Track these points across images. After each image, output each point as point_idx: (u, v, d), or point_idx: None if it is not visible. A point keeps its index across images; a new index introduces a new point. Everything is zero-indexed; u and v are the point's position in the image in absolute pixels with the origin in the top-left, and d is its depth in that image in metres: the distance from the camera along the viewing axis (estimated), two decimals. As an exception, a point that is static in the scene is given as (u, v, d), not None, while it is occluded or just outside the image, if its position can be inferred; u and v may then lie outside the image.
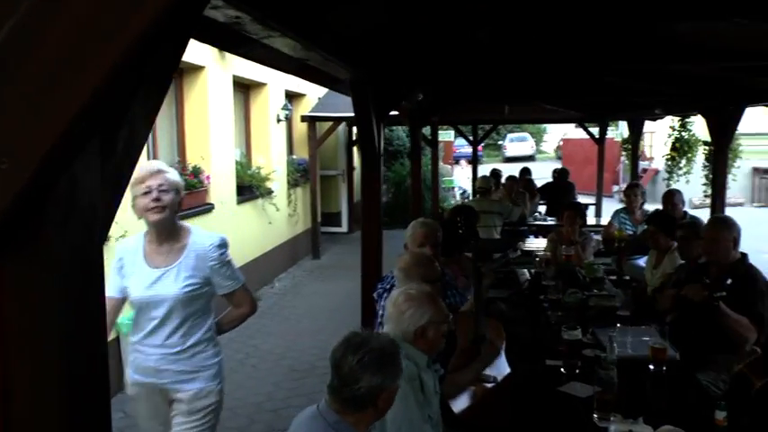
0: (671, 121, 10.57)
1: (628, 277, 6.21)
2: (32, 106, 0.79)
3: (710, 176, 8.67)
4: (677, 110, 8.98)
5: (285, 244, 10.34)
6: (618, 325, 4.13)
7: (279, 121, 10.15)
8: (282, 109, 10.20)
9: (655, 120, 10.85)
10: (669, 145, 10.25)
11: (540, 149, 40.06)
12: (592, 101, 10.58)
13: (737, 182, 12.63)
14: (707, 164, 8.72)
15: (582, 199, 12.57)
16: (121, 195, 1.05)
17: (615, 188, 19.58)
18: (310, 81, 5.39)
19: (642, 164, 20.02)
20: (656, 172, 17.98)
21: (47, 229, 0.87)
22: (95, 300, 0.98)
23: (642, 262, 7.27)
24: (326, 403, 2.18)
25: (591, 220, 11.64)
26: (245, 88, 9.48)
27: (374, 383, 2.08)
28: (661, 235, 5.42)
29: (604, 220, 9.82)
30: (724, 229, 4.26)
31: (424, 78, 5.46)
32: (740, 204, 16.91)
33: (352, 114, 10.90)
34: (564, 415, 3.12)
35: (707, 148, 8.60)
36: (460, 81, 6.80)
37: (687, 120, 9.93)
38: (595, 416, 2.89)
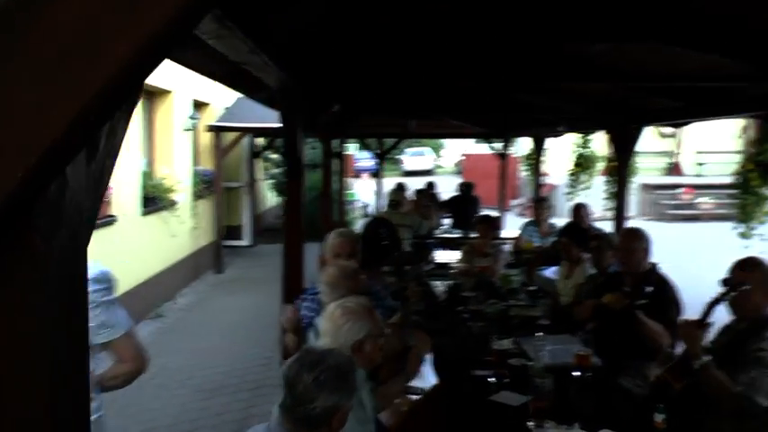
0: (573, 138, 11.02)
1: (536, 287, 6.38)
2: (36, 97, 0.67)
3: (611, 191, 9.05)
4: (581, 127, 9.37)
5: (188, 258, 9.97)
6: (539, 334, 4.20)
7: (185, 130, 9.80)
8: (190, 118, 9.85)
9: (557, 136, 11.28)
10: (573, 161, 10.65)
11: (438, 164, 40.82)
12: (497, 117, 10.90)
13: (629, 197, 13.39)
14: (609, 179, 9.11)
15: (484, 212, 12.94)
16: (102, 197, 0.92)
17: (514, 202, 20.18)
18: (234, 88, 5.19)
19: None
20: (553, 187, 18.68)
21: (34, 235, 0.74)
22: (81, 306, 0.87)
23: (550, 273, 7.51)
24: (278, 422, 2.05)
25: (494, 232, 12.01)
26: (149, 95, 9.09)
27: (330, 403, 1.99)
28: (573, 246, 5.60)
29: (507, 233, 10.13)
30: (637, 239, 4.45)
31: (343, 89, 5.41)
32: (631, 218, 17.82)
33: (260, 125, 10.70)
34: (498, 424, 3.12)
35: (609, 163, 8.99)
36: (373, 93, 6.81)
37: (588, 137, 10.36)
38: (530, 424, 2.91)
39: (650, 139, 16.23)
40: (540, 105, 8.30)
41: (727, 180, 20.29)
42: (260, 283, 10.27)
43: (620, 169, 7.88)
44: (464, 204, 11.82)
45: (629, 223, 7.43)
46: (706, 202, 18.45)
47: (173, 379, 6.08)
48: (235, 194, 13.32)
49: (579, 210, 7.06)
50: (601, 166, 10.25)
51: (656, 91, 5.81)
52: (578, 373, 3.45)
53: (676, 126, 8.37)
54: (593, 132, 10.01)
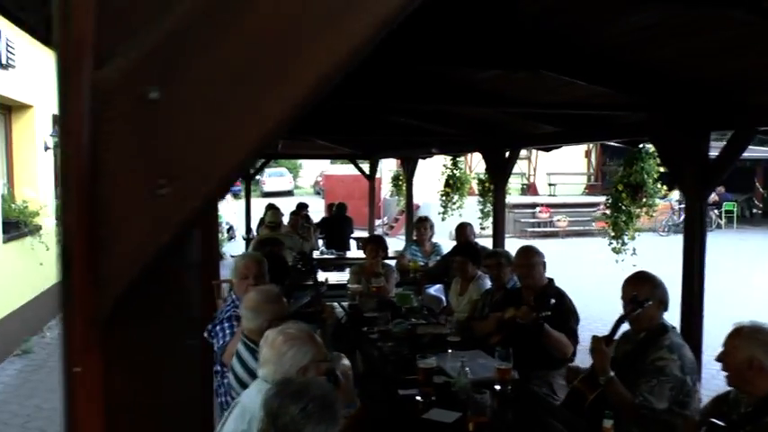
0: (439, 160, 11.40)
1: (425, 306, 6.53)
2: (228, 109, 0.61)
3: (485, 210, 9.45)
4: (455, 149, 9.73)
5: (55, 287, 9.20)
6: (450, 351, 4.29)
7: (47, 149, 9.11)
8: (51, 135, 9.17)
9: (426, 158, 11.65)
10: (443, 181, 11.01)
11: (297, 185, 40.71)
12: (367, 138, 11.10)
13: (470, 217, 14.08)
14: (482, 199, 9.51)
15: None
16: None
17: (378, 222, 20.48)
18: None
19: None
20: (417, 207, 19.19)
21: (184, 271, 0.67)
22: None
23: (434, 291, 7.72)
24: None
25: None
26: (6, 110, 8.37)
27: None
28: (469, 264, 5.79)
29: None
30: (535, 255, 4.70)
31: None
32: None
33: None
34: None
35: (483, 184, 9.39)
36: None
37: (458, 158, 10.76)
38: (470, 440, 2.96)
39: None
40: (415, 127, 8.57)
41: (576, 199, 22.09)
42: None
43: (496, 190, 8.29)
44: (338, 225, 11.88)
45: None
46: (561, 219, 19.73)
47: (52, 420, 5.57)
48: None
49: (464, 228, 7.32)
50: (469, 187, 10.70)
51: (538, 116, 6.19)
52: (498, 387, 3.56)
53: (548, 150, 8.90)
54: (465, 154, 10.48)
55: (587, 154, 26.09)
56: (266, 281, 4.17)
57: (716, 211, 20.41)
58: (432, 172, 13.43)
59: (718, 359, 2.86)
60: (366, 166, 14.27)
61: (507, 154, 7.92)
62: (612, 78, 4.31)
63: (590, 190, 25.27)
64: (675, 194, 19.19)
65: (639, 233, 6.63)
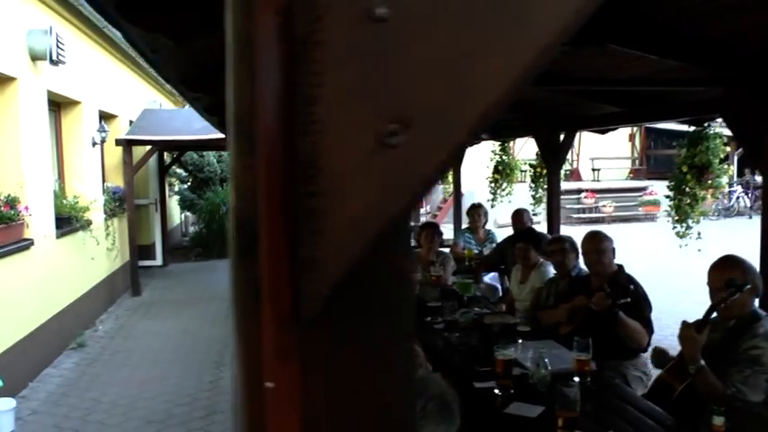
0: (491, 145, 11.14)
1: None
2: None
3: (537, 196, 9.22)
4: (505, 134, 9.48)
5: (104, 281, 9.27)
6: (520, 341, 4.11)
7: (94, 144, 9.13)
8: (98, 131, 9.19)
9: (473, 145, 11.39)
10: (491, 168, 10.77)
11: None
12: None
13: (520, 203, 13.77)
14: (533, 185, 9.27)
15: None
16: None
17: (422, 210, 20.28)
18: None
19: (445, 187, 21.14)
20: (462, 195, 18.91)
21: (402, 257, 0.51)
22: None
23: (489, 279, 7.53)
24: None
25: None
26: (56, 106, 8.39)
27: None
28: (531, 250, 5.59)
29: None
30: (605, 240, 4.48)
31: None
32: (539, 222, 18.33)
33: (170, 137, 10.14)
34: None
35: (534, 170, 9.14)
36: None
37: (506, 144, 10.51)
38: (561, 436, 2.78)
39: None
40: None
41: (621, 184, 21.58)
42: (180, 305, 9.74)
43: (550, 175, 8.03)
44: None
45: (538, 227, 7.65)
46: (607, 205, 19.28)
47: (111, 413, 5.55)
48: (144, 212, 12.60)
49: (521, 215, 7.10)
50: (520, 173, 10.44)
51: (598, 96, 5.91)
52: (578, 379, 3.36)
53: (604, 132, 8.60)
54: (515, 138, 10.20)
55: (631, 138, 25.47)
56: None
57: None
58: (476, 159, 13.15)
59: None
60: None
61: (562, 137, 7.67)
62: (686, 51, 4.04)
63: (634, 174, 24.67)
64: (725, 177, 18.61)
65: (704, 216, 6.33)
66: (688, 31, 3.94)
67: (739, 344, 3.17)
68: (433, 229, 6.74)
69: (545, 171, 9.14)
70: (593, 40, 4.11)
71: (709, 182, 5.68)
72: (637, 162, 25.55)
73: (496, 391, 3.32)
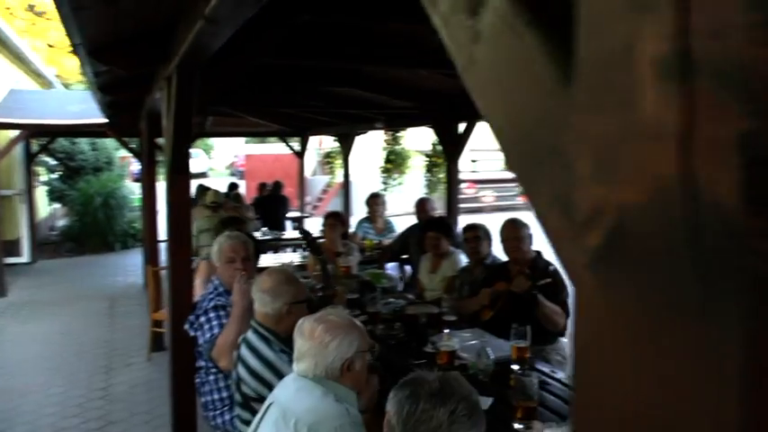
0: (371, 136, 11.10)
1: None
2: None
3: (431, 186, 9.27)
4: (402, 123, 9.44)
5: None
6: (447, 331, 4.03)
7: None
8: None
9: (363, 134, 11.32)
10: (383, 158, 10.75)
11: (210, 166, 39.46)
12: (301, 114, 10.59)
13: (415, 193, 13.94)
14: (428, 174, 9.32)
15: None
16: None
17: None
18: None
19: (325, 178, 20.99)
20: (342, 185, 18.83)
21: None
22: None
23: (390, 270, 7.46)
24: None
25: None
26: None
27: None
28: (443, 239, 5.55)
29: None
30: (524, 227, 4.50)
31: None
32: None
33: (42, 121, 9.27)
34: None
35: (430, 159, 9.19)
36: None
37: (398, 134, 10.51)
38: (518, 426, 2.71)
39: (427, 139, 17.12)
40: (357, 99, 8.19)
41: (501, 175, 22.33)
42: (55, 305, 8.97)
43: (450, 165, 8.07)
44: (274, 205, 11.41)
45: (409, 220, 7.68)
46: (487, 195, 19.89)
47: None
48: (8, 204, 11.50)
49: (425, 204, 7.07)
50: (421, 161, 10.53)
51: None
52: (517, 367, 3.33)
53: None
54: (410, 128, 10.21)
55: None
56: (253, 264, 3.79)
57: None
58: (362, 150, 13.07)
59: None
60: (296, 145, 13.80)
61: (462, 128, 7.72)
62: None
63: (510, 165, 25.53)
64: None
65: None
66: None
67: None
68: (336, 218, 6.57)
69: (440, 161, 9.23)
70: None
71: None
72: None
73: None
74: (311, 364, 2.28)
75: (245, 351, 2.87)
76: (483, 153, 24.48)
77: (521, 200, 20.37)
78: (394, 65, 4.94)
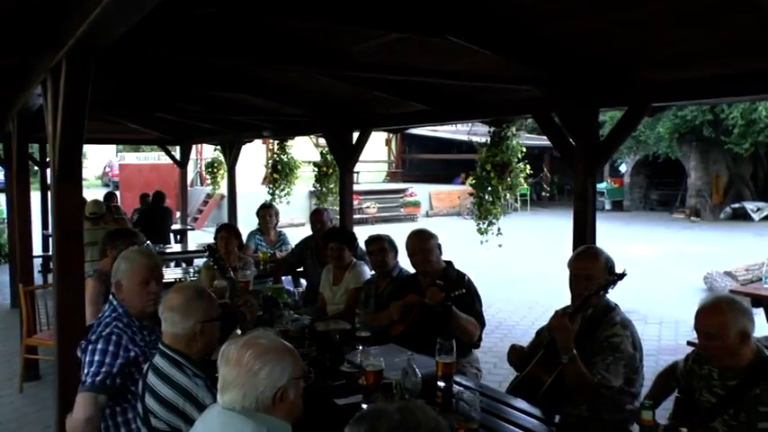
0: (270, 144, 10.78)
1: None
2: None
3: (321, 196, 9.08)
4: (292, 131, 9.16)
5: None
6: (360, 347, 3.83)
7: None
8: None
9: (253, 141, 10.95)
10: (269, 167, 10.42)
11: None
12: (184, 122, 10.04)
13: (297, 204, 13.62)
14: (317, 185, 9.10)
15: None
16: None
17: (179, 214, 19.18)
18: None
19: (205, 189, 20.20)
20: (222, 197, 18.22)
21: None
22: None
23: (285, 283, 7.15)
24: None
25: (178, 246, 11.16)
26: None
27: None
28: (346, 251, 5.34)
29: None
30: (431, 238, 4.39)
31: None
32: (302, 225, 18.31)
33: None
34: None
35: (320, 169, 8.96)
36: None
37: (285, 143, 10.20)
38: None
39: (307, 149, 16.84)
40: (245, 105, 7.86)
41: (384, 186, 22.47)
42: None
43: (343, 174, 7.90)
44: (157, 216, 10.77)
45: (300, 230, 7.46)
46: (371, 206, 19.90)
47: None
48: None
49: (321, 214, 6.84)
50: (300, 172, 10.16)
51: (404, 92, 5.84)
52: (443, 384, 3.16)
53: (395, 132, 8.68)
54: (299, 136, 9.93)
55: (388, 142, 26.67)
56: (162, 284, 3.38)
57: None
58: (246, 159, 12.63)
59: (704, 346, 2.73)
60: (177, 154, 13.15)
61: (356, 136, 7.59)
62: (521, 49, 4.09)
63: (392, 177, 25.86)
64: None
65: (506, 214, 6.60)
66: (528, 29, 3.96)
67: (599, 333, 3.24)
68: (230, 231, 6.21)
69: (330, 170, 9.04)
70: (433, 31, 3.94)
71: (509, 180, 5.93)
72: (393, 165, 26.82)
73: (364, 406, 2.99)
74: (239, 395, 1.99)
75: (153, 379, 2.52)
76: (364, 165, 24.61)
77: (404, 211, 20.60)
78: (291, 65, 4.67)
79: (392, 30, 3.98)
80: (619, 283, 3.22)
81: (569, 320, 3.14)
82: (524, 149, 6.08)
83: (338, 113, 7.27)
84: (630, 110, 4.38)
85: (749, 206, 20.27)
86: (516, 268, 12.26)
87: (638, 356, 3.29)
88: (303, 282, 6.98)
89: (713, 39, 3.54)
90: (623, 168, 24.58)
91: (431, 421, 1.47)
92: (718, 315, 2.67)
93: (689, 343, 5.88)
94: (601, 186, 21.72)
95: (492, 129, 6.14)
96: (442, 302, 3.86)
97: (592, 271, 3.33)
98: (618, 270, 3.27)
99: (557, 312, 3.23)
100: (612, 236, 14.46)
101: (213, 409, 2.10)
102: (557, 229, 18.67)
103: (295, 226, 17.95)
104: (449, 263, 4.43)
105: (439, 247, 4.41)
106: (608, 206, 23.23)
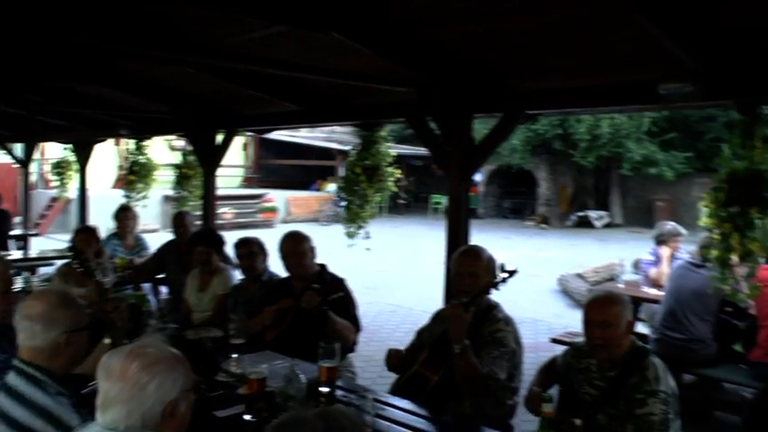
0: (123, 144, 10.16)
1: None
2: None
3: (183, 200, 8.65)
4: (150, 131, 8.65)
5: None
6: (235, 355, 3.65)
7: None
8: None
9: (107, 140, 10.26)
10: (126, 169, 9.79)
11: None
12: (30, 117, 9.20)
13: (150, 209, 12.95)
14: (178, 187, 8.65)
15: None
16: None
17: (18, 219, 17.66)
18: None
19: (49, 192, 18.72)
20: (68, 201, 16.96)
21: None
22: None
23: (144, 290, 6.74)
24: None
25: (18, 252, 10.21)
26: None
27: None
28: (213, 255, 5.12)
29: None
30: (304, 242, 4.31)
31: None
32: (155, 230, 17.47)
33: None
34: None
35: (181, 171, 8.53)
36: None
37: (143, 143, 9.62)
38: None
39: (161, 151, 16.06)
40: (106, 101, 7.34)
41: (240, 191, 21.91)
42: None
43: (207, 177, 7.60)
44: (-6, 220, 9.78)
45: (154, 236, 7.09)
46: (227, 212, 19.35)
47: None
48: None
49: (183, 218, 6.50)
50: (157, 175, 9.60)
51: (277, 91, 5.69)
52: (327, 389, 3.07)
53: (263, 133, 8.45)
54: (159, 136, 9.42)
55: (245, 147, 26.11)
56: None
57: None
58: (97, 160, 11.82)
59: (595, 335, 2.85)
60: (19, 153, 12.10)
61: (220, 138, 7.32)
62: (399, 49, 4.08)
63: (248, 182, 25.32)
64: (333, 186, 20.41)
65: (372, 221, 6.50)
66: (414, 30, 3.95)
67: (483, 329, 3.31)
68: (90, 234, 5.77)
69: (192, 173, 8.64)
70: (318, 25, 3.82)
71: (379, 183, 5.92)
72: (250, 171, 26.27)
73: (247, 417, 2.82)
74: (122, 413, 1.79)
75: (4, 401, 2.21)
76: (219, 169, 23.92)
77: (261, 217, 20.21)
78: (159, 52, 4.35)
79: (276, 21, 3.83)
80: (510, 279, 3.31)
81: (465, 311, 3.18)
82: (393, 154, 6.10)
83: (203, 112, 6.97)
84: (505, 117, 4.50)
85: (592, 214, 22.05)
86: (376, 274, 12.39)
87: (519, 352, 3.40)
88: (163, 289, 6.62)
89: (597, 51, 3.71)
90: (478, 177, 25.68)
91: (355, 427, 1.38)
92: (614, 305, 2.87)
93: (553, 340, 6.20)
94: (455, 194, 22.53)
95: (362, 132, 6.11)
96: (319, 307, 3.79)
97: (476, 269, 3.41)
98: (509, 268, 3.35)
99: (453, 302, 3.27)
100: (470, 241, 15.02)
101: (91, 430, 1.87)
102: (413, 235, 19.18)
103: (149, 231, 17.06)
104: (322, 266, 4.36)
105: (312, 249, 4.33)
106: (463, 213, 24.15)
